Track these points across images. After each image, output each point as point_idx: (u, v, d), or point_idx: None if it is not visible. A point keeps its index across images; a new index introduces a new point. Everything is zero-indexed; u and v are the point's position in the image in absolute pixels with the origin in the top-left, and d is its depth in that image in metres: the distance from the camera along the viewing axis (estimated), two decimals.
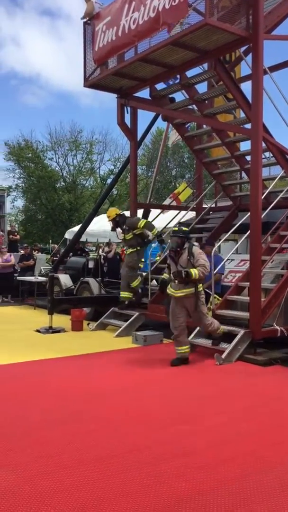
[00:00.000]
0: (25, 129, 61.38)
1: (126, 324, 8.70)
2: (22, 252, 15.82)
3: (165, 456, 3.53)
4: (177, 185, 38.08)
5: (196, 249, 6.61)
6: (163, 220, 11.58)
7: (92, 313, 10.19)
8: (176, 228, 6.76)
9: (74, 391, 5.19)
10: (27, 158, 38.01)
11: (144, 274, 9.32)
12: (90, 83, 9.00)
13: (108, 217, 9.27)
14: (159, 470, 3.30)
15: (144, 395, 5.18)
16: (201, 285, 6.56)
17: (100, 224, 16.47)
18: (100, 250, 14.14)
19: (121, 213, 9.36)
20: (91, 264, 11.75)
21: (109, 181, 37.59)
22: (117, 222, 9.13)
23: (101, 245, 19.77)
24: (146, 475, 3.23)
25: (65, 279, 11.76)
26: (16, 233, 20.30)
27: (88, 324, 9.40)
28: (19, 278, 13.86)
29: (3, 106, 59.44)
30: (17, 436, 3.91)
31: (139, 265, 9.05)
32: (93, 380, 5.72)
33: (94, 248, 15.45)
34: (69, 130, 39.10)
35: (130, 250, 8.97)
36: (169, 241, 7.09)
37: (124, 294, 9.05)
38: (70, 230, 18.39)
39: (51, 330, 8.82)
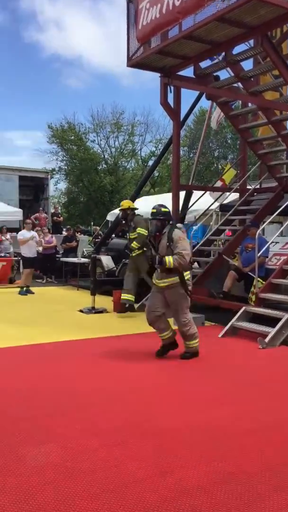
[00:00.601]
0: (68, 111, 61.68)
1: None
2: (65, 233, 16.07)
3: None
4: (220, 166, 37.52)
5: (177, 233, 5.69)
6: (205, 202, 11.43)
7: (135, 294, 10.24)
8: (155, 210, 5.90)
9: (121, 370, 5.27)
10: (69, 141, 38.32)
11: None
12: (133, 62, 8.90)
13: (121, 205, 9.15)
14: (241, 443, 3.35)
15: (187, 375, 5.20)
16: (188, 273, 5.76)
17: (142, 207, 16.46)
18: None
19: (135, 208, 9.22)
20: None
21: (150, 163, 37.39)
22: (127, 215, 9.03)
23: None
24: (214, 448, 3.25)
25: (107, 260, 11.88)
26: (59, 215, 20.63)
27: (132, 305, 9.47)
28: (62, 259, 14.12)
29: (46, 89, 60.03)
30: (66, 412, 4.02)
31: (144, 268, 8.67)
32: (139, 359, 5.78)
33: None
34: (110, 112, 39.08)
35: (137, 252, 8.74)
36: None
37: (125, 296, 8.77)
38: (112, 212, 18.48)
39: (93, 310, 8.97)
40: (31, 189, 22.61)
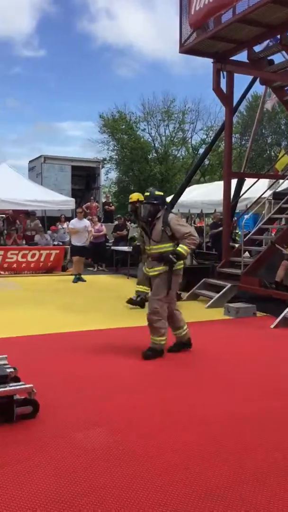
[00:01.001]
0: (119, 101, 62.13)
1: (218, 295, 8.65)
2: (116, 222, 16.25)
3: None
4: (273, 153, 36.49)
5: (173, 217, 5.33)
6: (257, 190, 11.18)
7: (183, 283, 10.22)
8: (148, 193, 5.48)
9: (172, 357, 5.31)
10: (120, 130, 38.54)
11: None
12: (186, 48, 8.82)
13: (130, 198, 8.91)
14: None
15: (240, 367, 5.17)
16: (181, 263, 5.29)
17: (192, 195, 16.35)
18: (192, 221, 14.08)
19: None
20: None
21: (201, 151, 36.96)
22: (136, 208, 8.82)
23: (193, 216, 19.72)
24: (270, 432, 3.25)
25: None
26: (111, 204, 20.82)
27: (179, 294, 9.48)
28: (113, 248, 14.30)
29: (97, 80, 60.46)
30: (113, 397, 4.11)
31: None
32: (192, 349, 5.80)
33: (184, 219, 15.44)
34: (161, 100, 38.90)
35: None
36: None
37: (139, 288, 8.61)
38: None
39: (145, 299, 9.03)
40: (83, 179, 22.97)
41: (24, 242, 15.26)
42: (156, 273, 5.29)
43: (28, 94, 60.71)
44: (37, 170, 21.50)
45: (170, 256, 5.09)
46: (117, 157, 39.98)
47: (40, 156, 21.43)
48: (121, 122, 38.52)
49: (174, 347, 5.54)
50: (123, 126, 38.53)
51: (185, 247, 5.12)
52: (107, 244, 15.01)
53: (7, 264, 13.07)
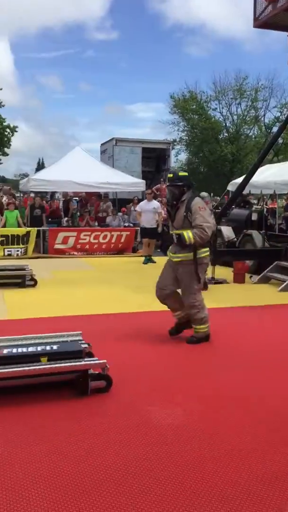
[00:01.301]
0: (190, 80, 61.08)
1: None
2: None
3: None
4: None
5: (198, 202, 4.96)
6: None
7: (255, 266, 10.06)
8: (171, 174, 5.19)
9: (244, 342, 5.30)
10: (191, 110, 38.03)
11: None
12: (260, 22, 8.50)
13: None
14: None
15: None
16: (206, 250, 5.04)
17: (264, 176, 15.83)
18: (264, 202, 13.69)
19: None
20: (254, 217, 11.50)
21: (274, 129, 35.56)
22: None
23: (265, 197, 19.13)
24: None
25: (227, 231, 11.74)
26: None
27: (250, 277, 9.34)
28: None
29: (168, 60, 60.03)
30: (186, 376, 4.18)
31: None
32: (264, 331, 5.75)
33: (255, 201, 15.01)
34: (233, 77, 37.79)
35: None
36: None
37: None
38: (233, 181, 18.09)
39: (213, 281, 9.00)
40: (153, 161, 23.04)
41: (96, 223, 15.67)
42: (178, 259, 5.07)
43: (100, 77, 61.73)
44: (108, 152, 21.87)
45: (174, 235, 5.00)
46: (187, 138, 39.60)
47: (111, 139, 21.75)
48: (192, 102, 37.98)
49: (173, 329, 5.37)
50: (194, 106, 37.99)
51: (190, 235, 4.85)
52: None
53: (80, 245, 13.51)
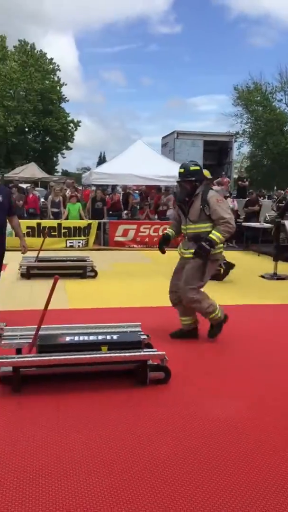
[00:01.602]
0: (255, 72, 59.51)
1: None
2: (248, 198, 15.84)
3: None
4: None
5: (214, 194, 4.73)
6: None
7: None
8: (182, 169, 4.83)
9: None
10: (255, 102, 37.13)
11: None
12: None
13: None
14: None
15: None
16: (221, 246, 4.77)
17: None
18: None
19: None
20: None
21: None
22: None
23: None
24: None
25: None
26: (245, 180, 20.18)
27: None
28: (244, 224, 14.00)
29: (232, 52, 58.96)
30: (250, 371, 4.11)
31: None
32: None
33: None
34: None
35: None
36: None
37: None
38: None
39: (275, 276, 8.77)
40: (215, 154, 22.68)
41: (156, 216, 15.70)
42: (191, 255, 4.81)
43: (162, 71, 61.64)
44: (169, 146, 21.80)
45: (203, 243, 4.62)
46: (250, 130, 38.70)
47: (173, 132, 21.66)
48: (256, 93, 37.07)
49: (177, 332, 5.08)
50: (258, 97, 37.05)
51: (218, 235, 4.63)
52: (237, 220, 14.72)
53: (140, 238, 13.61)
